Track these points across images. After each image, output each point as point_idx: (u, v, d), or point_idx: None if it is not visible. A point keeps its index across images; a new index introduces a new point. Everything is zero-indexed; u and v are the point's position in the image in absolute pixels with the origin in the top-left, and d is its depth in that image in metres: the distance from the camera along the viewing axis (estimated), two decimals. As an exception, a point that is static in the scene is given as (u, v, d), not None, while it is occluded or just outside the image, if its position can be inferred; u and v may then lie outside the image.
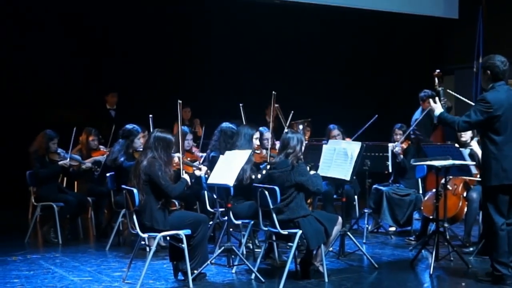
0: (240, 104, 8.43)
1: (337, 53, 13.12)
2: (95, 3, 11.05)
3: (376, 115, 8.62)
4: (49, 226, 8.32)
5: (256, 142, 7.35)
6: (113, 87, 11.07)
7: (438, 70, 8.58)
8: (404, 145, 8.51)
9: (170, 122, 10.62)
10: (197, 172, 6.70)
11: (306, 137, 9.26)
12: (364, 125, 8.69)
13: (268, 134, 8.44)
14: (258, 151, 7.51)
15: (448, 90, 8.59)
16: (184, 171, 6.58)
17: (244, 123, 8.09)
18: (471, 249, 7.36)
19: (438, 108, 6.33)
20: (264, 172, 6.78)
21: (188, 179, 6.40)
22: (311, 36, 12.94)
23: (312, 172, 6.46)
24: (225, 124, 7.63)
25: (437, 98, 6.59)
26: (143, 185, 6.03)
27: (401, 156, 8.45)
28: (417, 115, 9.24)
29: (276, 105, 9.37)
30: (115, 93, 11.04)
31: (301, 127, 9.52)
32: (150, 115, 7.76)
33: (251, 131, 7.24)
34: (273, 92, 7.95)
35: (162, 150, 6.13)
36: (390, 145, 8.41)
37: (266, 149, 7.84)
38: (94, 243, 8.34)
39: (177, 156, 6.91)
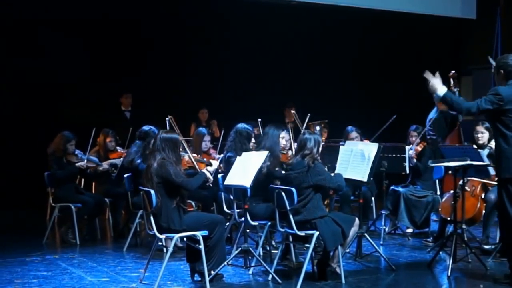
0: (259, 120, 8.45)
1: (354, 54, 13.08)
2: (115, 5, 11.09)
3: (395, 115, 8.58)
4: (67, 227, 8.36)
5: (283, 142, 7.34)
6: (128, 88, 11.09)
7: (453, 72, 8.53)
8: (419, 147, 8.45)
9: (186, 123, 10.64)
10: (209, 168, 6.66)
11: (323, 138, 9.23)
12: (381, 126, 8.64)
13: (286, 136, 8.43)
14: (284, 152, 7.50)
15: None
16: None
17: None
18: (489, 247, 7.31)
19: (439, 86, 6.09)
20: None
21: (208, 174, 6.41)
22: (329, 37, 12.91)
23: (333, 174, 6.46)
24: (240, 125, 7.60)
25: (437, 74, 6.17)
26: (157, 187, 6.04)
27: (414, 160, 8.39)
28: (432, 114, 9.19)
29: (293, 111, 9.38)
30: (129, 94, 11.06)
31: (318, 128, 9.49)
32: (169, 117, 7.74)
33: (277, 131, 7.22)
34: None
35: (169, 151, 6.12)
36: (408, 147, 8.36)
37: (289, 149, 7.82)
38: (112, 244, 8.38)
39: (187, 155, 6.91)
